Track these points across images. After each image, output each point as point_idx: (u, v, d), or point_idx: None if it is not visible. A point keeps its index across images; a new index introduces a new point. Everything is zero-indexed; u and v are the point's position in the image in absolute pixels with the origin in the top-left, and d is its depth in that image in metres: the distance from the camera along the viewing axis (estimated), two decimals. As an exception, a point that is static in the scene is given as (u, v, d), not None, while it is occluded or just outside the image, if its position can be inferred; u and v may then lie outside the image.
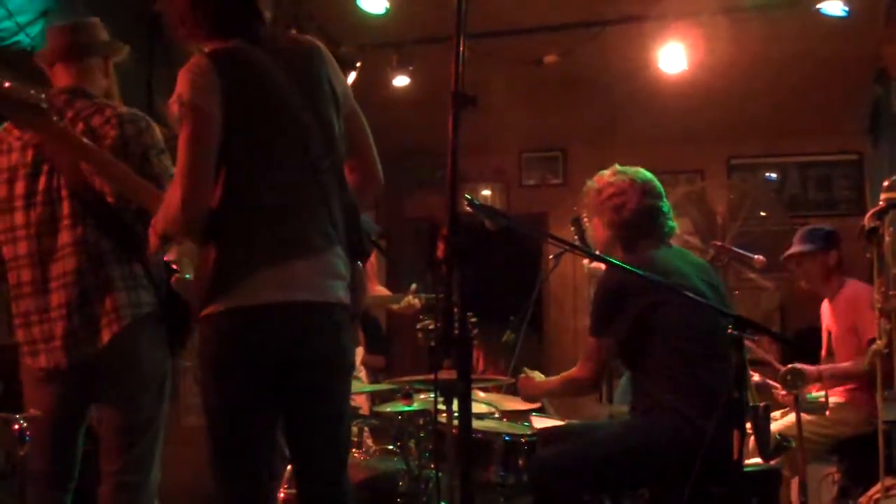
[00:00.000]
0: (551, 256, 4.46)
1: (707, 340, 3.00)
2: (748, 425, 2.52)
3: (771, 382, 4.44)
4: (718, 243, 4.96)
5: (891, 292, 3.43)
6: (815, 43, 5.47)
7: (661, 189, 3.31)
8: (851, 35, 5.29)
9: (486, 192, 7.60)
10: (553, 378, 3.52)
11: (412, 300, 4.81)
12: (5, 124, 2.85)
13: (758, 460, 3.18)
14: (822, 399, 4.04)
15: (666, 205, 3.30)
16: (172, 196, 2.25)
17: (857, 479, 4.25)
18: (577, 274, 7.25)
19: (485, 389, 4.04)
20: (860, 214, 4.89)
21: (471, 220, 2.19)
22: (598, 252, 3.29)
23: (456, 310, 1.86)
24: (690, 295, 2.74)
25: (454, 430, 3.06)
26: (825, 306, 4.73)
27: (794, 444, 3.49)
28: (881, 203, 3.44)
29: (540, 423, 3.84)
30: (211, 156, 2.23)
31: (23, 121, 2.70)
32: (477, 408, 3.63)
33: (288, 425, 2.38)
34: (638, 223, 3.22)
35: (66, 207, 2.74)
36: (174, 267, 2.78)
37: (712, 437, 2.65)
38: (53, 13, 4.12)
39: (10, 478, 3.24)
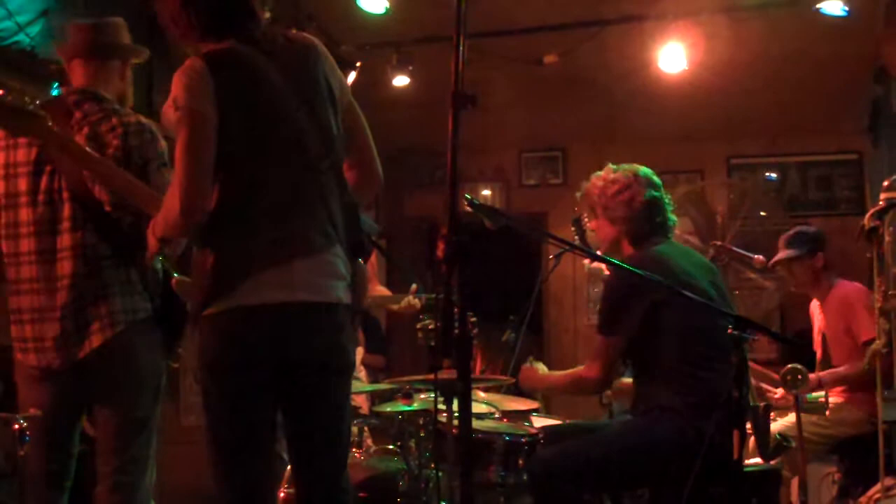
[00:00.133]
0: (551, 256, 4.45)
1: (709, 340, 3.00)
2: (748, 425, 2.52)
3: (765, 386, 4.44)
4: (718, 243, 4.96)
5: (891, 292, 3.44)
6: (815, 42, 5.47)
7: (660, 182, 3.33)
8: (851, 34, 5.29)
9: (486, 192, 7.60)
10: (557, 373, 3.51)
11: (412, 300, 4.81)
12: None
13: (758, 460, 3.18)
14: (822, 399, 4.04)
15: (667, 196, 3.32)
16: (172, 200, 2.25)
17: (857, 478, 4.25)
18: (577, 274, 7.25)
19: (485, 389, 4.03)
20: (860, 214, 4.90)
21: (471, 219, 2.19)
22: (601, 251, 3.30)
23: (456, 310, 1.86)
24: (692, 296, 2.74)
25: (454, 430, 3.06)
26: (815, 306, 4.73)
27: (794, 444, 3.49)
28: (881, 203, 3.44)
29: (540, 423, 3.83)
30: (209, 158, 2.23)
31: (19, 129, 2.70)
32: (477, 408, 3.62)
33: (288, 425, 2.38)
34: (647, 215, 3.24)
35: (67, 210, 2.75)
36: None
37: (712, 437, 2.64)
38: (53, 13, 4.12)
39: (10, 477, 3.24)
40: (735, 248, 4.91)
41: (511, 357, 4.11)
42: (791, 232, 4.74)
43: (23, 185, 2.79)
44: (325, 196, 2.34)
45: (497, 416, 3.86)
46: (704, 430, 2.73)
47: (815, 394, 4.15)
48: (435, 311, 3.44)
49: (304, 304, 2.27)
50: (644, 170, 3.31)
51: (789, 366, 3.71)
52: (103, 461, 2.77)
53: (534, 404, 4.05)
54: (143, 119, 2.83)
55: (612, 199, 3.26)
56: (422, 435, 3.64)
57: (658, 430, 2.99)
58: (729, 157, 7.20)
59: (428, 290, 4.78)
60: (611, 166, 3.34)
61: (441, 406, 3.02)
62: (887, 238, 3.40)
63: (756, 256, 4.77)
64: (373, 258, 4.94)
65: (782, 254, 4.65)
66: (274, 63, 2.33)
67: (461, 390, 1.88)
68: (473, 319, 3.39)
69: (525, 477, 3.38)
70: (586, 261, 5.03)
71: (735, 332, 2.36)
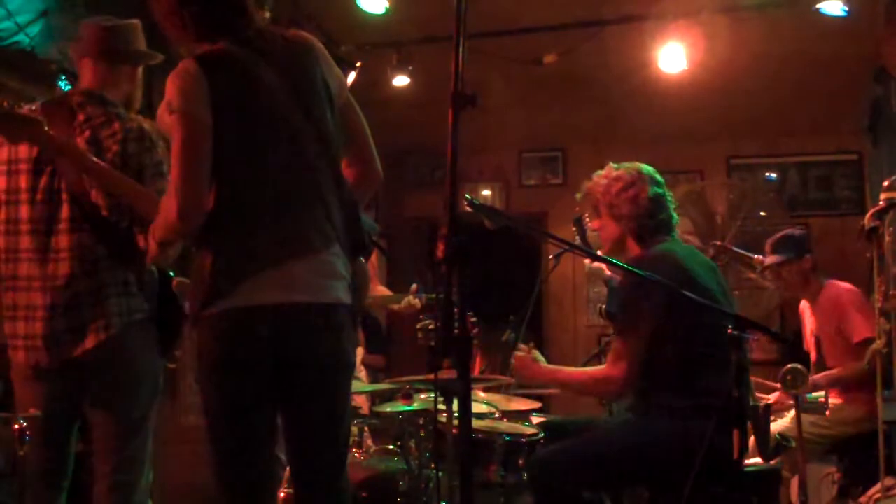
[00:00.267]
0: (551, 256, 4.44)
1: (711, 340, 2.99)
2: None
3: (759, 395, 4.44)
4: (718, 243, 4.98)
5: (891, 292, 3.44)
6: (815, 42, 5.47)
7: (662, 179, 3.32)
8: (851, 34, 5.29)
9: (486, 192, 7.60)
10: (568, 369, 3.44)
11: (412, 300, 4.81)
12: None
13: (758, 460, 3.18)
14: (822, 399, 4.04)
15: (669, 193, 3.31)
16: (169, 203, 2.24)
17: (856, 478, 4.25)
18: (577, 274, 7.26)
19: (485, 389, 4.04)
20: (860, 214, 4.91)
21: (471, 219, 2.19)
22: (604, 251, 3.29)
23: (456, 310, 1.86)
24: (703, 300, 2.74)
25: (454, 430, 3.06)
26: (804, 307, 4.72)
27: (794, 444, 3.49)
28: (881, 203, 3.44)
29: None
30: (205, 161, 2.22)
31: (16, 135, 2.70)
32: (477, 408, 3.63)
33: (287, 425, 2.38)
34: (653, 212, 3.22)
35: (65, 210, 2.75)
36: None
37: (712, 437, 2.64)
38: (53, 13, 4.12)
39: (9, 478, 3.25)
40: (735, 248, 4.91)
41: (511, 357, 4.11)
42: (777, 236, 4.72)
43: (23, 182, 2.79)
44: (324, 195, 2.33)
45: (497, 416, 3.86)
46: (704, 429, 2.73)
47: (815, 394, 4.16)
48: (435, 311, 3.45)
49: (303, 306, 2.27)
50: (646, 167, 3.29)
51: (789, 366, 3.71)
52: (101, 461, 2.78)
53: (534, 404, 4.05)
54: (146, 125, 2.82)
55: (616, 197, 3.24)
56: (422, 435, 3.65)
57: (658, 430, 2.99)
58: (729, 157, 7.20)
59: (428, 290, 4.78)
60: (612, 165, 3.33)
61: (441, 406, 3.03)
62: (887, 238, 3.40)
63: (756, 256, 4.77)
64: (373, 258, 4.95)
65: (770, 259, 4.64)
66: (269, 63, 2.33)
67: (461, 390, 1.88)
68: (473, 319, 3.40)
69: (525, 477, 3.38)
70: (586, 261, 5.02)
71: (735, 332, 2.36)
